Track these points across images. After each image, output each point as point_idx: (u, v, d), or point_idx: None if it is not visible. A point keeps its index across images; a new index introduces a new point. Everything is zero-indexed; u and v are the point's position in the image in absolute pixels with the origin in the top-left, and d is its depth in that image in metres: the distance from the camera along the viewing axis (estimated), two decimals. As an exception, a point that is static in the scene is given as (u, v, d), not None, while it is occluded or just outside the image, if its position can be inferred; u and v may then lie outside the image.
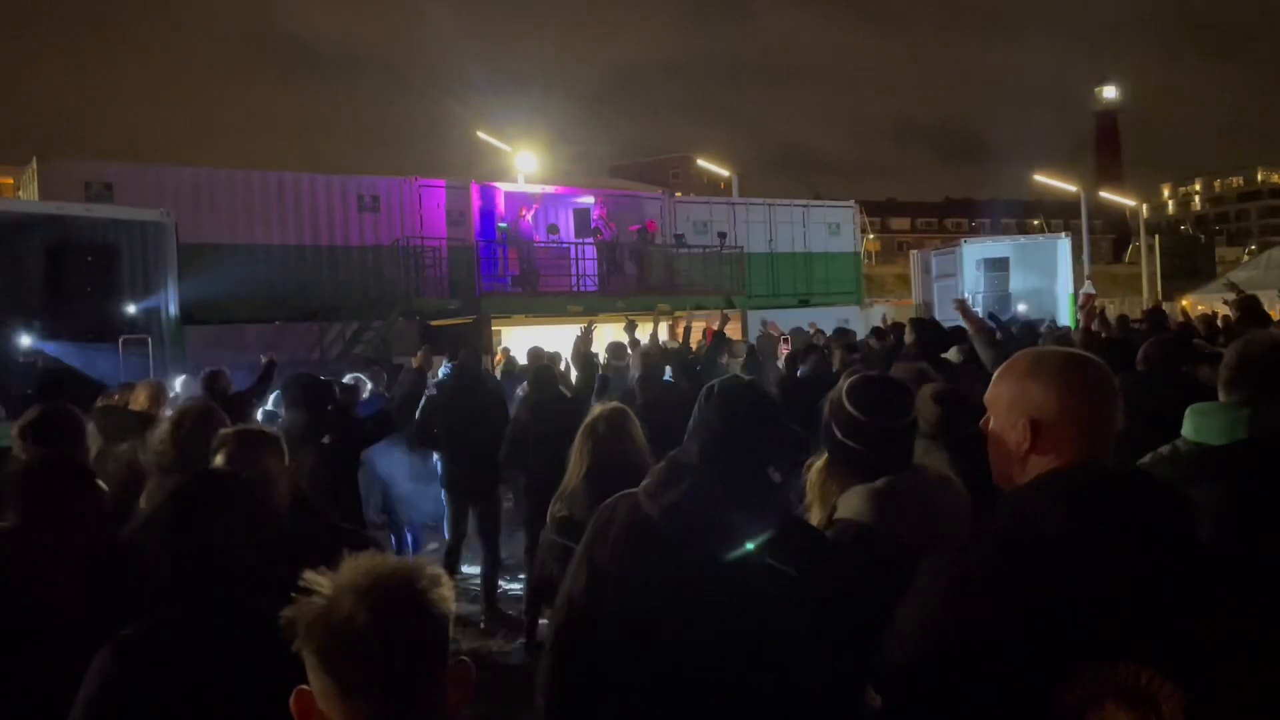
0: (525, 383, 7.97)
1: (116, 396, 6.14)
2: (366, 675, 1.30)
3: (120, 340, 11.32)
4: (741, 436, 2.20)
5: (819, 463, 2.53)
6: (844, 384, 2.51)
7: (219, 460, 2.69)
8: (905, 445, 2.47)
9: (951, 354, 8.16)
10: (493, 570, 7.35)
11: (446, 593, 1.37)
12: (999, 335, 6.73)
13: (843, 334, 10.92)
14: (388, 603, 1.31)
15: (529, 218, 20.51)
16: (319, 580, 1.33)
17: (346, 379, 8.84)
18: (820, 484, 2.50)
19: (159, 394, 5.78)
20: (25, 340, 10.96)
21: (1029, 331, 10.71)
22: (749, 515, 2.11)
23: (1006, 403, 1.70)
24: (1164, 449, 2.44)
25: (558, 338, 16.36)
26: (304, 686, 1.34)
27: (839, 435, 2.44)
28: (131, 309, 11.88)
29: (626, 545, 2.20)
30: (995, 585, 1.49)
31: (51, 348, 10.74)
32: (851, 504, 2.35)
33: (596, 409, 3.32)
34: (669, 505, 2.16)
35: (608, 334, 18.98)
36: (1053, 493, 1.57)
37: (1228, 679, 1.42)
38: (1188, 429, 2.40)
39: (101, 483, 2.73)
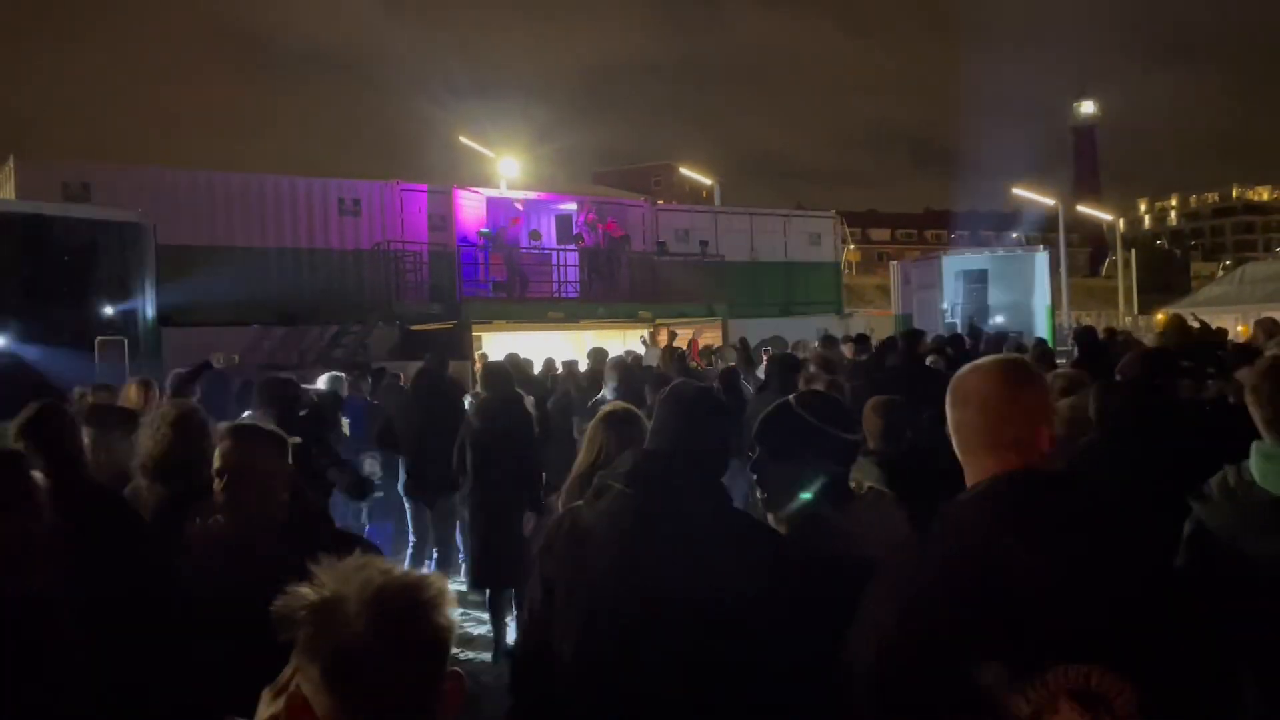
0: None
1: (90, 397, 6.07)
2: (370, 696, 1.28)
3: (96, 341, 11.24)
4: (683, 440, 2.30)
5: None
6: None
7: (216, 456, 2.70)
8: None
9: (930, 361, 8.27)
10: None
11: (451, 608, 1.35)
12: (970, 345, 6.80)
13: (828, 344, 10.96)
14: (398, 626, 1.28)
15: (518, 224, 20.65)
16: (322, 577, 1.30)
17: (322, 381, 8.82)
18: None
19: (148, 391, 5.76)
20: (-1, 340, 10.85)
21: (995, 343, 10.85)
22: (686, 515, 2.19)
23: None
24: (1231, 479, 2.30)
25: (539, 344, 16.35)
26: (297, 691, 1.32)
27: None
28: (108, 310, 11.80)
29: (569, 555, 2.27)
30: (938, 606, 1.50)
31: (23, 348, 10.63)
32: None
33: (609, 405, 3.37)
34: (603, 511, 2.25)
35: (587, 341, 19.02)
36: (980, 504, 1.58)
37: (1176, 670, 1.44)
38: (1257, 472, 2.28)
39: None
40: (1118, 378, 4.91)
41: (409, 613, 1.30)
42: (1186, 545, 2.32)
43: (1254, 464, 2.30)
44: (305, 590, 1.30)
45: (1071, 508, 1.54)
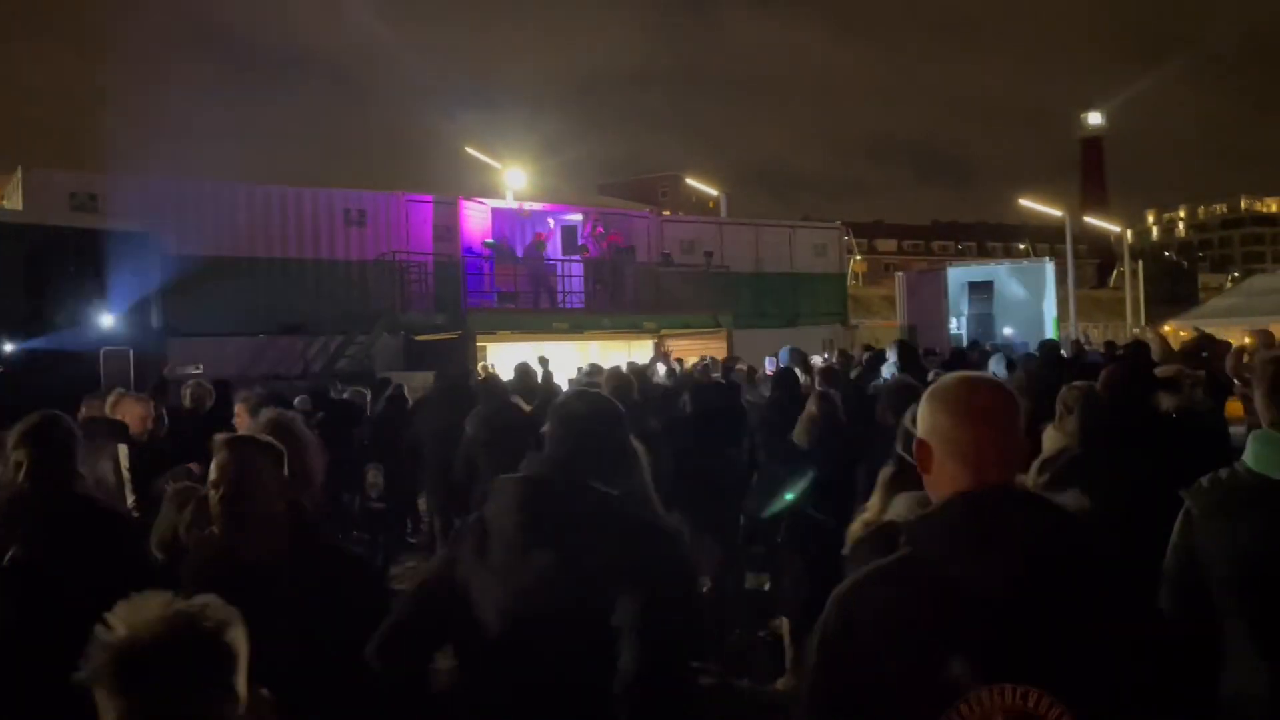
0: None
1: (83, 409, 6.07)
2: (148, 707, 1.43)
3: (101, 351, 11.27)
4: (568, 448, 2.37)
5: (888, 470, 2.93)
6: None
7: (212, 467, 2.71)
8: None
9: (933, 376, 8.25)
10: None
11: (236, 633, 1.52)
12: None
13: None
14: (173, 639, 1.46)
15: (543, 238, 20.95)
16: (114, 619, 1.48)
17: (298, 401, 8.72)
18: (885, 485, 2.88)
19: (146, 408, 5.76)
20: (4, 349, 10.88)
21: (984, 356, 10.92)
22: (566, 514, 2.28)
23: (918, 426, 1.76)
24: (1223, 473, 2.38)
25: (544, 355, 16.34)
26: None
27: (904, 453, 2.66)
28: (114, 320, 11.82)
29: (470, 547, 2.37)
30: (877, 617, 1.51)
31: (29, 358, 10.66)
32: (897, 508, 2.59)
33: None
34: (495, 508, 2.36)
35: (592, 352, 19.00)
36: (942, 519, 1.58)
37: (1116, 696, 1.42)
38: (1249, 457, 2.36)
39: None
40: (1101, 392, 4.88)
41: (185, 626, 1.48)
42: (1176, 531, 2.39)
43: (1250, 450, 2.36)
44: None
45: (1033, 526, 1.53)
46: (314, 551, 2.69)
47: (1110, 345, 14.47)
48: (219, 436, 2.80)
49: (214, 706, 1.48)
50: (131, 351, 11.60)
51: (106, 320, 11.75)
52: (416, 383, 12.36)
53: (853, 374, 9.44)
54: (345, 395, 10.11)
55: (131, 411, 5.45)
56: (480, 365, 15.78)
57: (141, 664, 1.44)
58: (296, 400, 8.47)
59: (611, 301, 21.50)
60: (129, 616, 1.48)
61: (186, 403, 7.44)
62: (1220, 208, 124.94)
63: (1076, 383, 5.11)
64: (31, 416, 3.27)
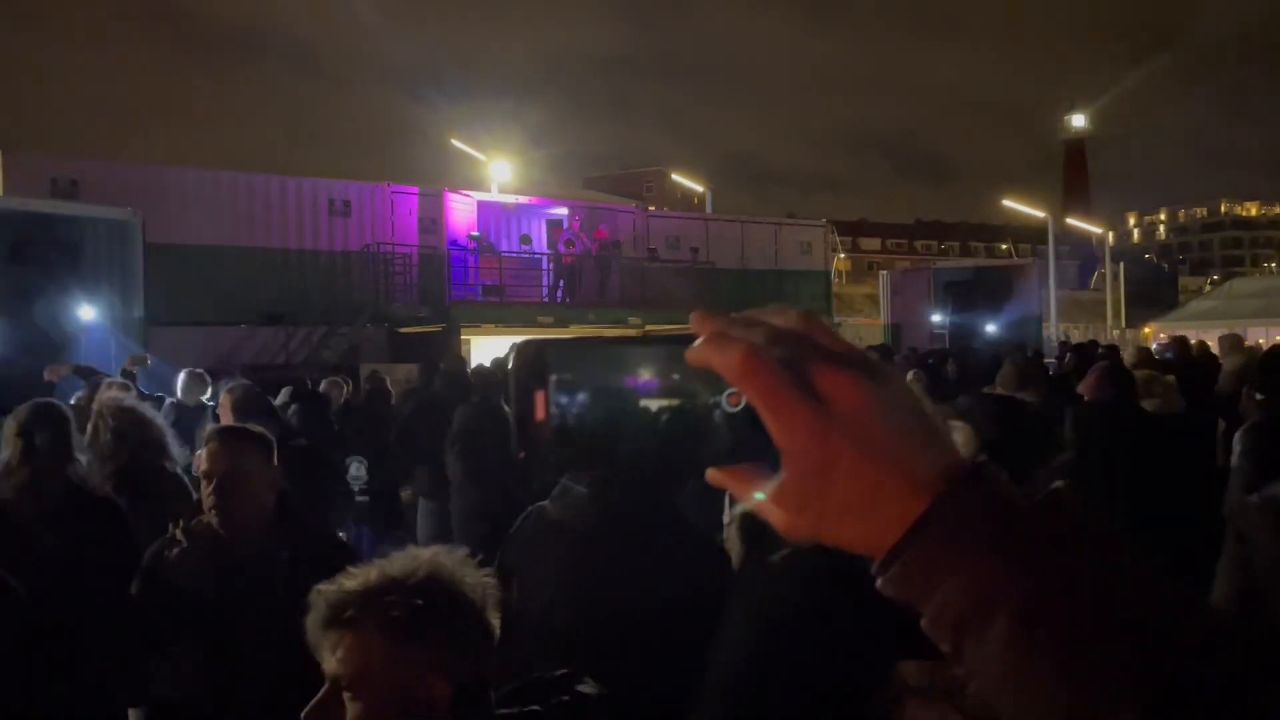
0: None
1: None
2: (437, 650, 1.47)
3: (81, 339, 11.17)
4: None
5: None
6: None
7: (203, 455, 2.75)
8: None
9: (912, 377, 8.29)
10: None
11: (475, 572, 1.57)
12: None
13: None
14: (436, 578, 1.52)
15: (560, 234, 20.95)
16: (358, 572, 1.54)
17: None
18: None
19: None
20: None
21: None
22: (642, 520, 2.29)
23: None
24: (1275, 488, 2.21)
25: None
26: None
27: None
28: (95, 308, 11.72)
29: (533, 547, 2.40)
30: (799, 599, 1.55)
31: (7, 345, 10.55)
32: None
33: None
34: (568, 507, 2.36)
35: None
36: None
37: None
38: None
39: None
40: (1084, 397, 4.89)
41: (440, 570, 1.55)
42: (1225, 552, 2.25)
43: None
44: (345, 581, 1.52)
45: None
46: (305, 540, 2.73)
47: (1079, 346, 14.51)
48: (210, 427, 2.82)
49: (472, 642, 1.51)
50: (112, 340, 11.51)
51: (87, 308, 11.65)
52: (399, 375, 12.31)
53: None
54: (321, 388, 10.00)
55: None
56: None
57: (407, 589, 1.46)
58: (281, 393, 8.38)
59: (596, 296, 21.50)
60: (383, 566, 1.53)
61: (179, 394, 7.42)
62: (1200, 211, 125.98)
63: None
64: (31, 405, 3.31)
